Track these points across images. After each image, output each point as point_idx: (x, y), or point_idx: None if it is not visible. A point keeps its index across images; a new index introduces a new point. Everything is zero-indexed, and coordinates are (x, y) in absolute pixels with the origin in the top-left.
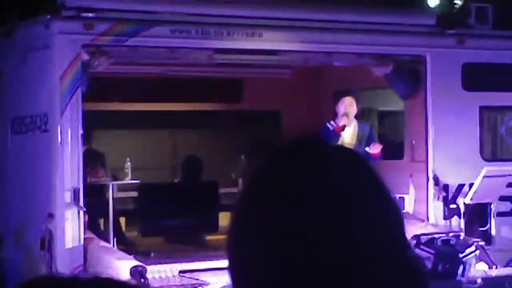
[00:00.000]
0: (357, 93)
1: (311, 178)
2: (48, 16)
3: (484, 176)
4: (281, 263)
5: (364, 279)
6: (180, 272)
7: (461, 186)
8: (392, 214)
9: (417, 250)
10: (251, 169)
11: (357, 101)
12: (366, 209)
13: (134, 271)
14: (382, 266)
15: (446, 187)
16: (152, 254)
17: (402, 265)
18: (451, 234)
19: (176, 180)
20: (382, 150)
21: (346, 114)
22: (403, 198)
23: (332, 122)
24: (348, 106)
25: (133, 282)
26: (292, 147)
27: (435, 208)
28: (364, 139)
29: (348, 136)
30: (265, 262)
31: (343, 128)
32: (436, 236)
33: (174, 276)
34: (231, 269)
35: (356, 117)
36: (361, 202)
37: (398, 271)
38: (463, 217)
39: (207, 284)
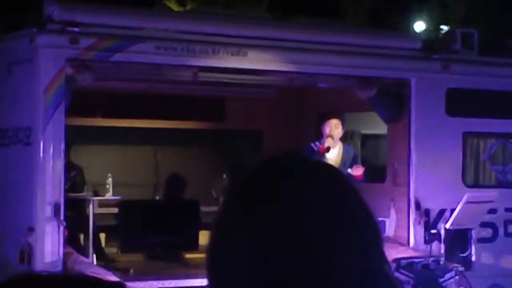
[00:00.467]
0: (343, 116)
1: (287, 195)
2: (34, 30)
3: (466, 202)
4: (255, 277)
5: None
6: None
7: (442, 211)
8: (371, 232)
9: (397, 274)
10: (229, 185)
11: (343, 123)
12: (344, 226)
13: None
14: (361, 281)
15: (427, 212)
16: (132, 271)
17: (378, 283)
18: (431, 259)
19: (158, 198)
20: (365, 172)
21: (331, 136)
22: (384, 222)
23: (317, 142)
24: (333, 128)
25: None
26: (271, 163)
27: (416, 233)
28: (349, 161)
29: (333, 158)
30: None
31: (327, 149)
32: (416, 260)
33: None
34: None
35: (342, 139)
36: (338, 219)
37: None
38: (444, 242)
39: None
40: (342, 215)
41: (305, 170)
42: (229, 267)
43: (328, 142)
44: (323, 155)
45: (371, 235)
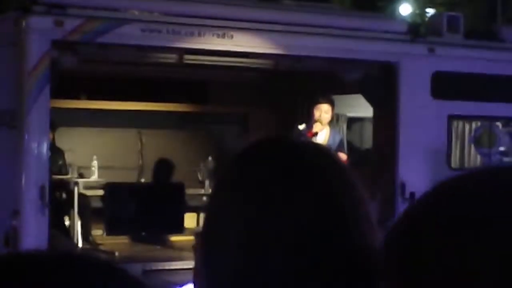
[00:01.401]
0: (333, 100)
1: (279, 175)
2: (18, 12)
3: None
4: (250, 263)
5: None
6: (144, 272)
7: None
8: (362, 210)
9: None
10: (220, 167)
11: (333, 108)
12: (336, 204)
13: None
14: (349, 262)
15: (412, 195)
16: (117, 254)
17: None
18: None
19: (143, 180)
20: (347, 160)
21: (320, 121)
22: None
23: (304, 125)
24: (323, 113)
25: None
26: (261, 146)
27: None
28: (334, 146)
29: (319, 142)
30: (235, 263)
31: (315, 134)
32: None
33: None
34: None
35: (329, 123)
36: (330, 199)
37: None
38: None
39: (171, 285)
40: (335, 195)
41: (295, 152)
42: (226, 256)
43: (316, 127)
44: (309, 139)
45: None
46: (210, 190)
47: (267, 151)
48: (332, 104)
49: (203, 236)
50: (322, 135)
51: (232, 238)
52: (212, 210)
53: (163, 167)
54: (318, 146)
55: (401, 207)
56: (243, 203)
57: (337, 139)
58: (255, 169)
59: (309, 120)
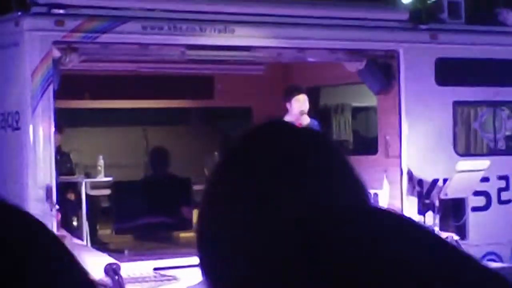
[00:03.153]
0: (305, 90)
1: (281, 159)
2: (19, 13)
3: (458, 171)
4: (254, 252)
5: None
6: (155, 269)
7: (435, 181)
8: (359, 190)
9: None
10: (222, 153)
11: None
12: (336, 186)
13: (108, 269)
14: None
15: (420, 182)
16: (126, 252)
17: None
18: None
19: (144, 175)
20: None
21: (302, 112)
22: (377, 194)
23: (287, 118)
24: (303, 103)
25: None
26: (261, 129)
27: (409, 203)
28: None
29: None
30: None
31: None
32: None
33: (148, 273)
34: (203, 263)
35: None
36: (330, 181)
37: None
38: (438, 212)
39: (181, 280)
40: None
41: (295, 137)
42: (222, 235)
43: (304, 119)
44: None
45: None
46: None
47: (265, 135)
48: (306, 94)
49: (198, 227)
50: (304, 125)
51: (237, 226)
52: (208, 195)
53: (159, 155)
54: (314, 130)
55: (409, 193)
56: (246, 190)
57: (316, 126)
58: (256, 150)
59: (290, 112)
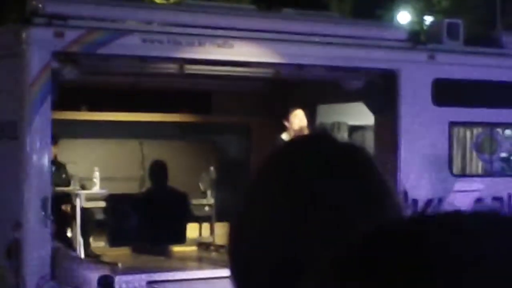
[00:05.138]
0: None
1: (324, 173)
2: (19, 23)
3: (453, 192)
4: (289, 258)
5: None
6: (148, 282)
7: (430, 201)
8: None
9: None
10: (259, 165)
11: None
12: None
13: (102, 281)
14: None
15: (415, 202)
16: (120, 265)
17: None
18: None
19: (144, 189)
20: None
21: (302, 127)
22: None
23: (286, 135)
24: (302, 118)
25: None
26: (305, 142)
27: None
28: None
29: None
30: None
31: None
32: None
33: (142, 286)
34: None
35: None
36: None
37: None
38: None
39: None
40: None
41: (344, 150)
42: (258, 245)
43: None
44: None
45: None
46: (212, 200)
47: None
48: (303, 109)
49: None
50: None
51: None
52: (248, 199)
53: (158, 169)
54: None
55: (404, 213)
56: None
57: None
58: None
59: (289, 129)
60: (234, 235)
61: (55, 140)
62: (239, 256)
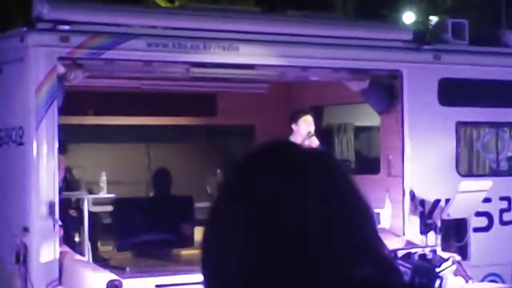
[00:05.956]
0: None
1: (287, 184)
2: (24, 29)
3: (460, 192)
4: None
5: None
6: (156, 286)
7: (437, 201)
8: (365, 214)
9: None
10: (226, 173)
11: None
12: (341, 211)
13: (110, 285)
14: (358, 267)
15: (422, 202)
16: (128, 269)
17: (377, 265)
18: (427, 249)
19: (151, 194)
20: None
21: (310, 133)
22: (378, 213)
23: (292, 139)
24: (310, 124)
25: None
26: (267, 151)
27: (412, 223)
28: None
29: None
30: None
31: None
32: (413, 251)
33: None
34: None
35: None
36: (336, 206)
37: (374, 270)
38: (440, 232)
39: None
40: (341, 203)
41: (306, 161)
42: (225, 265)
43: (312, 141)
44: None
45: (365, 219)
46: None
47: (270, 157)
48: (312, 114)
49: (204, 247)
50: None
51: (235, 248)
52: (213, 215)
53: (162, 176)
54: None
55: (411, 213)
56: (244, 211)
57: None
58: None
59: (296, 133)
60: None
61: (63, 149)
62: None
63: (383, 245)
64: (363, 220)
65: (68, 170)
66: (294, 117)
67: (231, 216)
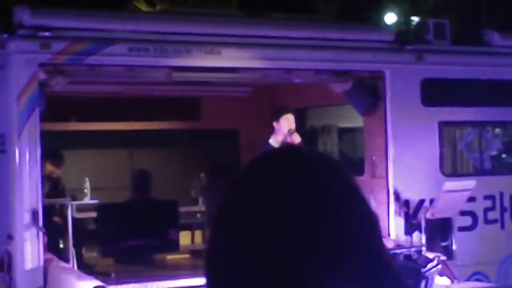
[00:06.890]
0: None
1: (290, 186)
2: (4, 35)
3: (444, 191)
4: (256, 279)
5: None
6: None
7: (422, 202)
8: (369, 219)
9: None
10: (227, 182)
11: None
12: (343, 218)
13: None
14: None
15: (406, 203)
16: (113, 274)
17: (380, 271)
18: (412, 249)
19: (128, 199)
20: None
21: (291, 130)
22: None
23: (273, 139)
24: (291, 122)
25: None
26: (273, 155)
27: (396, 224)
28: None
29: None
30: (240, 280)
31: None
32: (398, 251)
33: None
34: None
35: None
36: (342, 218)
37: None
38: (424, 232)
39: None
40: (346, 213)
41: (313, 166)
42: (226, 267)
43: (295, 138)
44: None
45: (371, 228)
46: (203, 207)
47: (281, 166)
48: (293, 113)
49: (206, 253)
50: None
51: (233, 254)
52: (215, 227)
53: (142, 178)
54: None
55: (396, 214)
56: (244, 219)
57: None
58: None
59: (278, 130)
60: (208, 255)
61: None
62: (211, 272)
63: (387, 250)
64: (367, 224)
65: (59, 179)
66: (276, 116)
67: (233, 220)
